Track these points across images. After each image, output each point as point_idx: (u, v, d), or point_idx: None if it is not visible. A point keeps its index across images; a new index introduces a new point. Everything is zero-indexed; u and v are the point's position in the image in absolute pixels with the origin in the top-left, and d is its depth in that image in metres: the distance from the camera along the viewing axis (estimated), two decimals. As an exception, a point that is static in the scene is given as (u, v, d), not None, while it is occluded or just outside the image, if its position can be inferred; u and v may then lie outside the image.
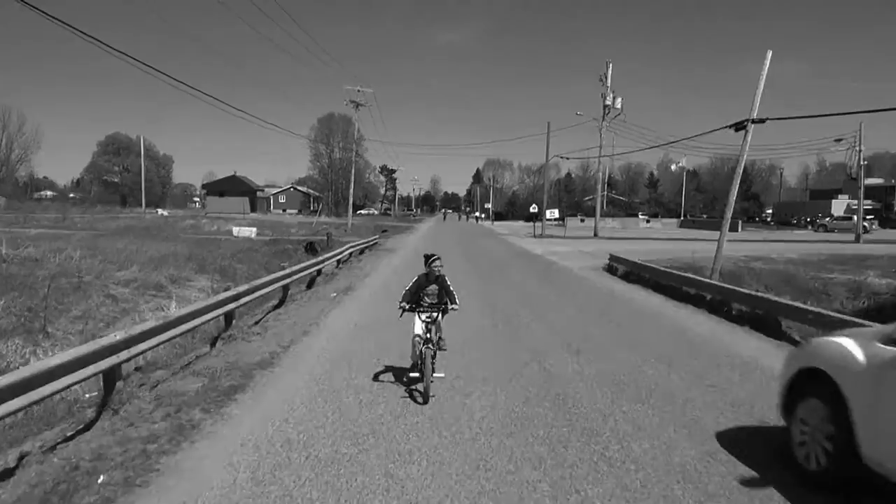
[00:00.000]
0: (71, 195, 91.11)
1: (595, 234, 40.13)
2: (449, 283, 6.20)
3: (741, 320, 10.94)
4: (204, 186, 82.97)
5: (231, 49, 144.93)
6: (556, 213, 47.07)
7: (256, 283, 10.07)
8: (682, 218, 68.09)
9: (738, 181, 17.89)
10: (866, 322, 7.29)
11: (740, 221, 58.73)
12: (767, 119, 16.76)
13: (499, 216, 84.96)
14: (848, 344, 4.07)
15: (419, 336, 5.94)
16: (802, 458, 4.12)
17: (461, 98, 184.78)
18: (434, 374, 5.82)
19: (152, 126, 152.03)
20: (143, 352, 6.23)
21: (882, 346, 3.81)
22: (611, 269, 19.98)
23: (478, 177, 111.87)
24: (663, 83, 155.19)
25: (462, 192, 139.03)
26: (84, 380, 5.32)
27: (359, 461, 4.31)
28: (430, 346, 5.82)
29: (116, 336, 5.72)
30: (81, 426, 5.42)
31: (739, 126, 17.26)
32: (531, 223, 47.05)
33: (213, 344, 8.52)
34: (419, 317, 6.01)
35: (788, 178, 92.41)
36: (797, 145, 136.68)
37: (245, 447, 4.58)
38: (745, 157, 17.20)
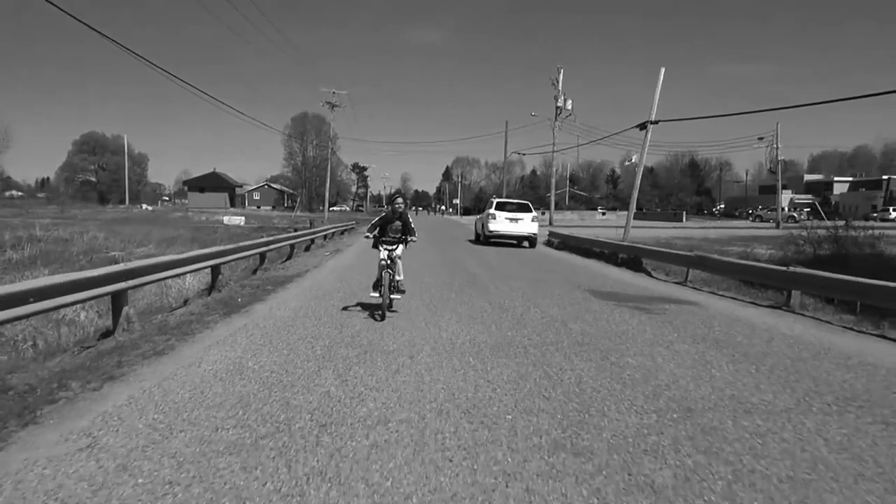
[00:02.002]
0: (39, 195, 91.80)
1: (550, 223, 44.96)
2: (411, 219, 7.50)
3: (618, 263, 15.75)
4: (185, 182, 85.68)
5: (201, 46, 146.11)
6: (512, 203, 52.05)
7: (279, 237, 14.36)
8: (635, 210, 74.58)
9: (641, 172, 22.89)
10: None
11: (685, 213, 64.96)
12: (660, 121, 21.67)
13: (466, 211, 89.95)
14: (485, 213, 22.26)
15: (383, 261, 7.12)
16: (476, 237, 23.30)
17: (432, 97, 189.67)
18: (392, 296, 7.06)
19: (122, 125, 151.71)
20: (228, 261, 10.45)
21: (490, 211, 21.27)
22: (549, 243, 24.77)
23: (447, 174, 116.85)
24: (635, 81, 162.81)
25: (432, 190, 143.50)
26: (203, 269, 9.52)
27: (364, 294, 8.74)
28: (389, 271, 7.00)
29: (218, 248, 9.99)
30: (200, 299, 9.64)
31: (642, 126, 22.17)
32: (493, 214, 51.67)
33: (254, 272, 12.73)
34: (383, 246, 7.20)
35: (742, 174, 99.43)
36: (720, 143, 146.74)
37: (304, 291, 8.95)
38: (646, 151, 22.10)
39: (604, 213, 70.14)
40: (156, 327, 6.52)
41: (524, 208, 21.66)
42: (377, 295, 7.01)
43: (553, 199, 45.48)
